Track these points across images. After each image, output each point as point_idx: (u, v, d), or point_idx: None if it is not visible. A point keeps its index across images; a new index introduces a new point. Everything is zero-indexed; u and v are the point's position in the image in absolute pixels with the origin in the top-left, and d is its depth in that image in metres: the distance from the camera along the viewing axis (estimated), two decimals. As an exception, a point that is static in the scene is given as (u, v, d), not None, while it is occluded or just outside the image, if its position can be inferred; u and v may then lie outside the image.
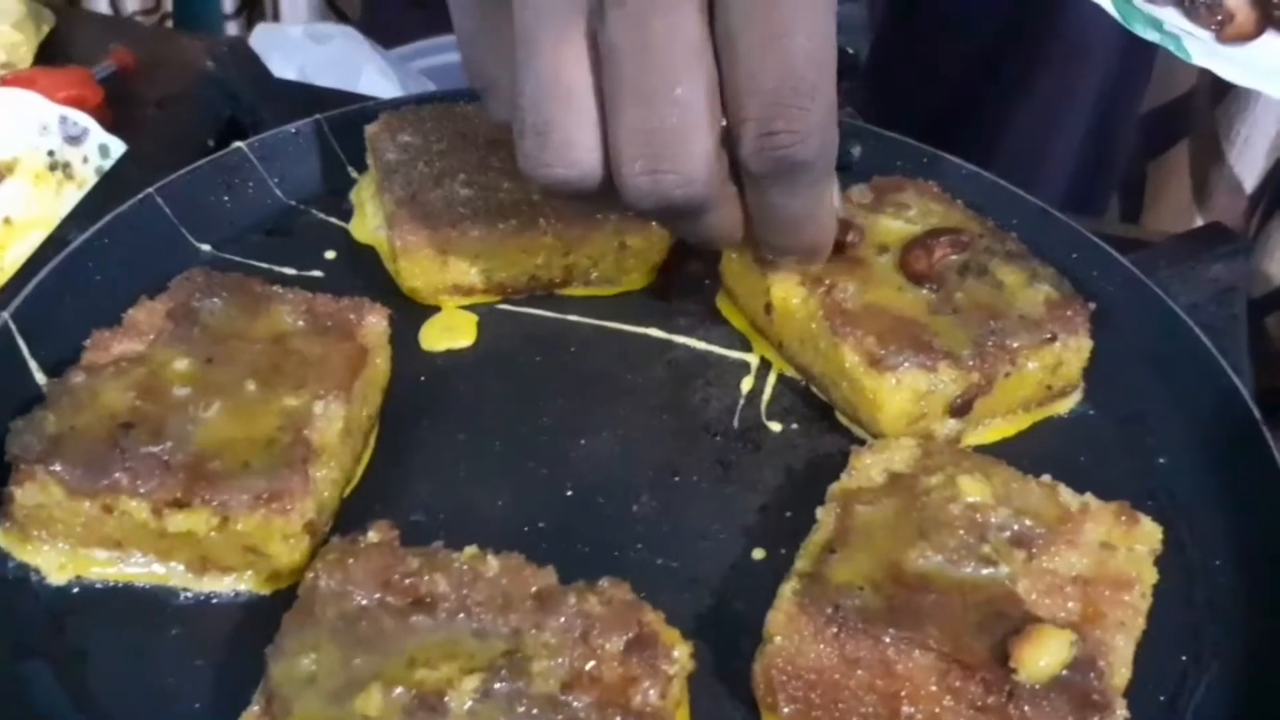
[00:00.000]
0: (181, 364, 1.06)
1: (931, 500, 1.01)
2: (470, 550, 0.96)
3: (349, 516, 1.08)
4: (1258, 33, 1.26)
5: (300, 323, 1.11)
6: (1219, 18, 1.21)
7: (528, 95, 0.93)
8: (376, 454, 1.14)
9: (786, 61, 0.89)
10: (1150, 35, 1.19)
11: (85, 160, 1.98)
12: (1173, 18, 1.23)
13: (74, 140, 1.98)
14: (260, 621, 0.96)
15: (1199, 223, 2.42)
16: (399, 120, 1.35)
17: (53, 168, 1.98)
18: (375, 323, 1.13)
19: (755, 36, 0.89)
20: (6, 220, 1.75)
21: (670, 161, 0.92)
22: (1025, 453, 1.18)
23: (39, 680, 0.96)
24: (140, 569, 1.02)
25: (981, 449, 1.17)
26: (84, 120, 1.88)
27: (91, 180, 1.72)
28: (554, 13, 0.90)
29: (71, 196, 1.77)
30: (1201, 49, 1.21)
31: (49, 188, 1.98)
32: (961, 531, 0.99)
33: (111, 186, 1.46)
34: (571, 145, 0.93)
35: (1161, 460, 1.20)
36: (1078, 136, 2.31)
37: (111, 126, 1.95)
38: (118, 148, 1.77)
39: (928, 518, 1.00)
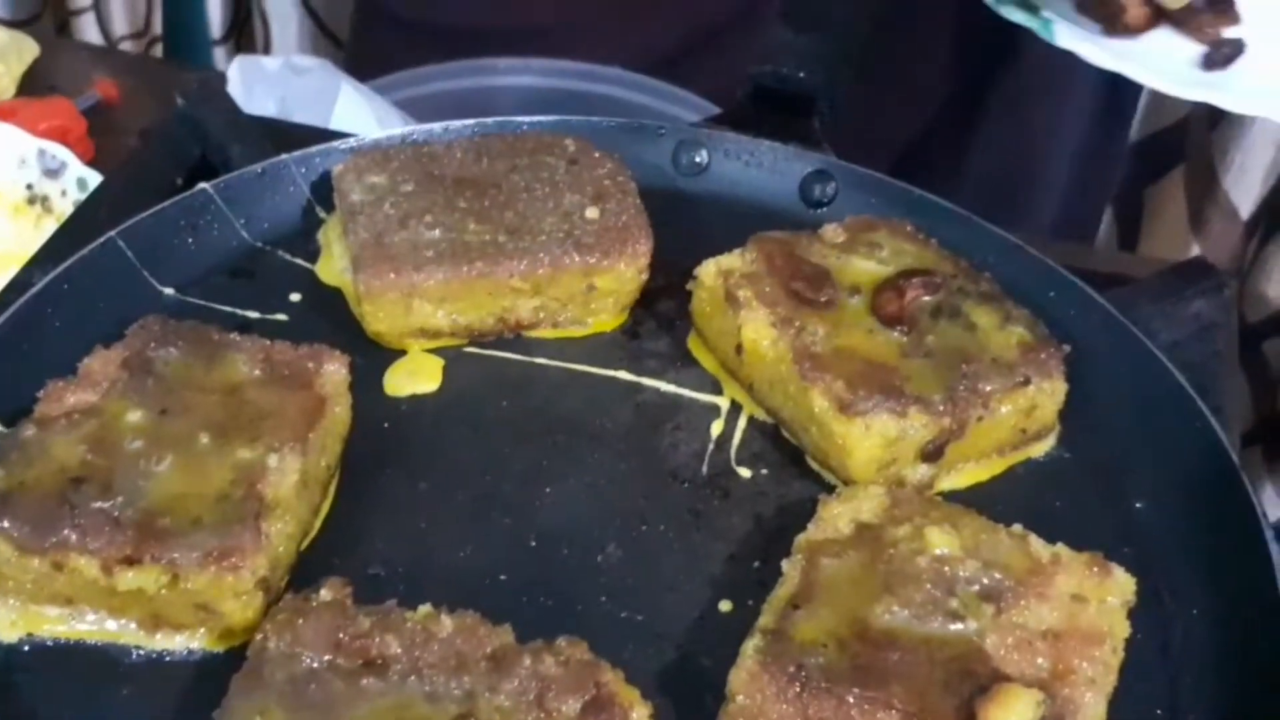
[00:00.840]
0: (134, 416, 1.04)
1: (899, 552, 0.99)
2: (424, 609, 0.93)
3: (306, 570, 1.05)
4: (1148, 27, 1.27)
5: (257, 372, 1.09)
6: (1111, 11, 1.22)
7: None
8: (336, 504, 1.11)
9: None
10: (1015, 17, 1.19)
11: (64, 194, 1.97)
12: (1064, 10, 1.24)
13: (52, 174, 1.97)
14: (213, 680, 0.94)
15: (1195, 250, 2.41)
16: (366, 161, 1.33)
17: (31, 201, 1.96)
18: (334, 371, 1.11)
19: None
20: (-16, 253, 1.73)
21: None
22: (998, 498, 1.16)
23: (-16, 743, 0.94)
24: (92, 626, 1.00)
25: (954, 495, 1.16)
26: (62, 154, 1.87)
27: (69, 214, 1.71)
28: None
29: (50, 230, 1.75)
30: (1068, 32, 1.21)
31: (27, 221, 1.97)
32: (928, 585, 0.97)
33: (79, 226, 1.43)
34: None
35: (1138, 505, 1.17)
36: (1065, 164, 2.30)
37: (93, 158, 1.94)
38: (96, 181, 1.76)
39: (894, 571, 0.98)
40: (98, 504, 0.98)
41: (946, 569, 0.98)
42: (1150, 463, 1.20)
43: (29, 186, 1.95)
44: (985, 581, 0.98)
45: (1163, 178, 2.43)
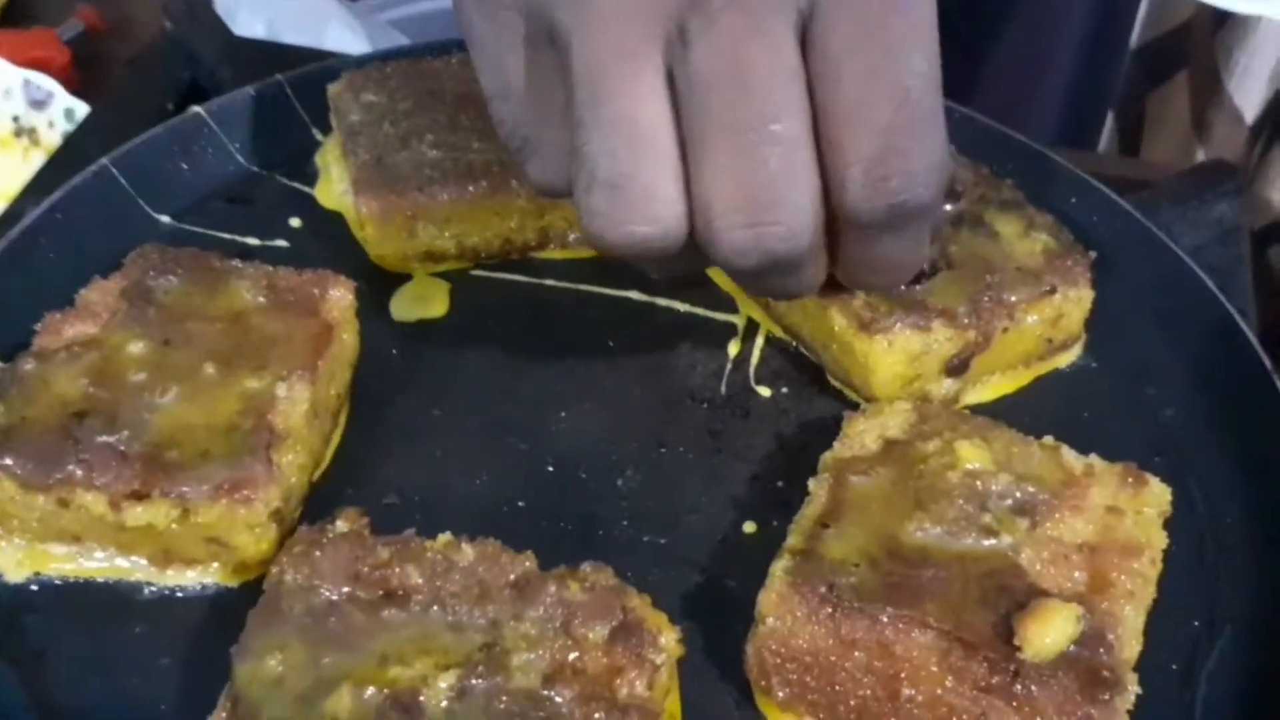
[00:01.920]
0: (136, 347, 1.01)
1: (929, 468, 0.96)
2: (444, 537, 0.91)
3: (319, 501, 1.03)
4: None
5: (261, 299, 1.05)
6: None
7: (595, 144, 0.78)
8: (347, 434, 1.08)
9: (901, 87, 0.77)
10: None
11: (51, 125, 1.91)
12: None
13: (38, 105, 1.92)
14: (228, 616, 0.92)
15: (1200, 156, 2.37)
16: (363, 79, 1.29)
17: (18, 134, 1.91)
18: (340, 296, 1.07)
19: (863, 61, 0.76)
20: (-28, 187, 1.68)
21: (772, 211, 0.78)
22: (1026, 410, 1.13)
23: (-2, 682, 0.92)
24: (101, 564, 0.98)
25: (980, 408, 1.13)
26: (48, 84, 1.82)
27: (59, 146, 1.67)
28: (624, 46, 0.76)
29: (39, 163, 1.71)
30: None
31: (14, 155, 1.92)
32: (961, 501, 0.94)
33: (69, 157, 1.39)
34: (652, 198, 0.78)
35: (1168, 412, 1.15)
36: (1067, 71, 2.24)
37: (79, 89, 1.88)
38: (84, 112, 1.71)
39: (925, 487, 0.95)
40: (102, 438, 0.94)
41: (978, 483, 0.95)
42: (1178, 368, 1.18)
43: (15, 119, 1.90)
44: (1018, 495, 0.95)
45: (1165, 83, 2.38)
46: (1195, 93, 2.35)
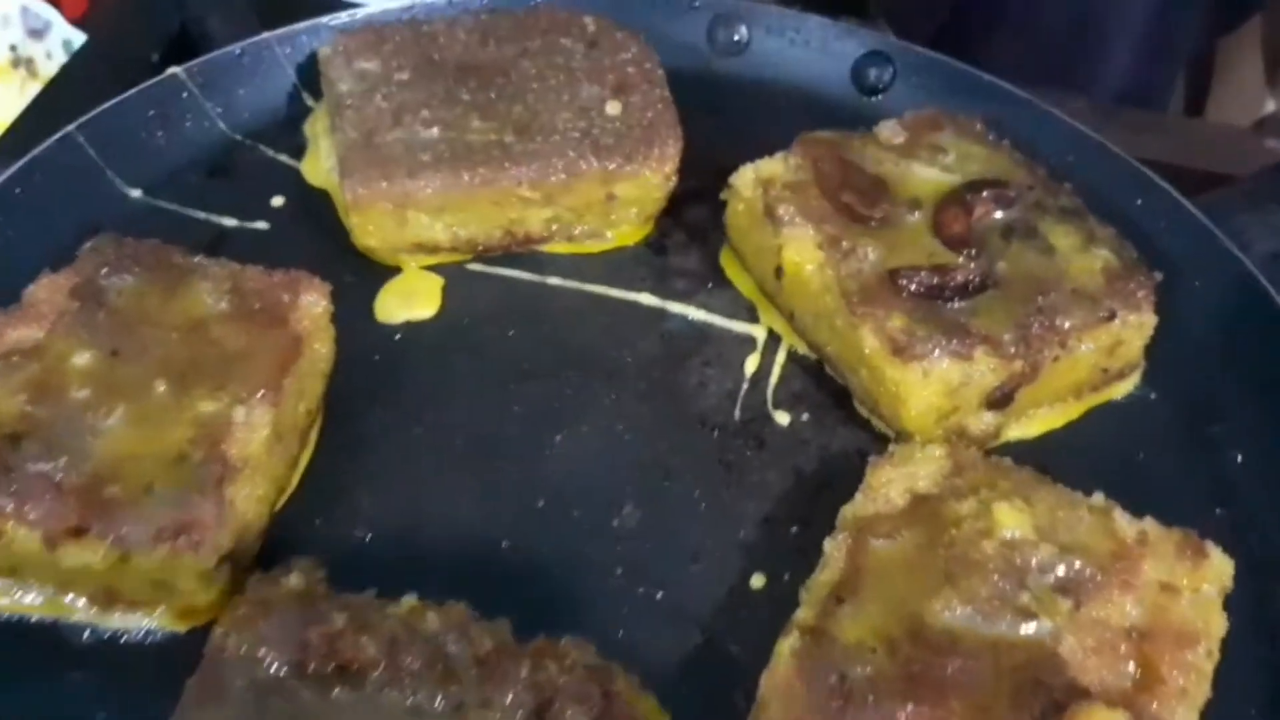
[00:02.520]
0: (83, 358, 0.91)
1: (961, 534, 0.85)
2: (408, 602, 0.81)
3: (282, 531, 0.93)
4: None
5: (224, 304, 0.95)
6: None
7: None
8: (318, 453, 0.98)
9: None
10: None
11: (49, 56, 1.82)
12: None
13: (37, 34, 1.82)
14: (173, 666, 0.82)
15: (1270, 107, 2.22)
16: (357, 42, 1.16)
17: (15, 64, 1.82)
18: (313, 303, 0.96)
19: None
20: (-31, 121, 1.58)
21: None
22: (1074, 449, 1.02)
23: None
24: (38, 600, 0.88)
25: (1023, 446, 1.01)
26: (47, 12, 1.72)
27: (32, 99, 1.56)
28: None
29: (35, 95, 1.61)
30: None
31: (12, 85, 1.82)
32: (996, 576, 0.83)
33: (42, 113, 1.28)
34: None
35: (1235, 457, 1.02)
36: (1138, 19, 2.09)
37: (86, 10, 1.77)
38: (82, 43, 1.61)
39: (956, 557, 0.84)
40: (38, 465, 0.85)
41: (1017, 556, 0.84)
42: (1248, 405, 1.05)
43: (13, 48, 1.80)
44: (1062, 571, 0.84)
45: (1239, 28, 2.22)
46: (1270, 37, 2.20)
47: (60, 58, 1.70)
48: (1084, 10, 2.03)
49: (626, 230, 1.14)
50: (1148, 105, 2.04)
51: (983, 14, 1.92)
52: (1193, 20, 2.24)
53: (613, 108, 1.11)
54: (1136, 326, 1.02)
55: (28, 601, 0.88)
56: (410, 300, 1.08)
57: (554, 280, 1.11)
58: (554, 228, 1.12)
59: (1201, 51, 2.29)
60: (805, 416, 1.03)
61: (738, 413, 1.03)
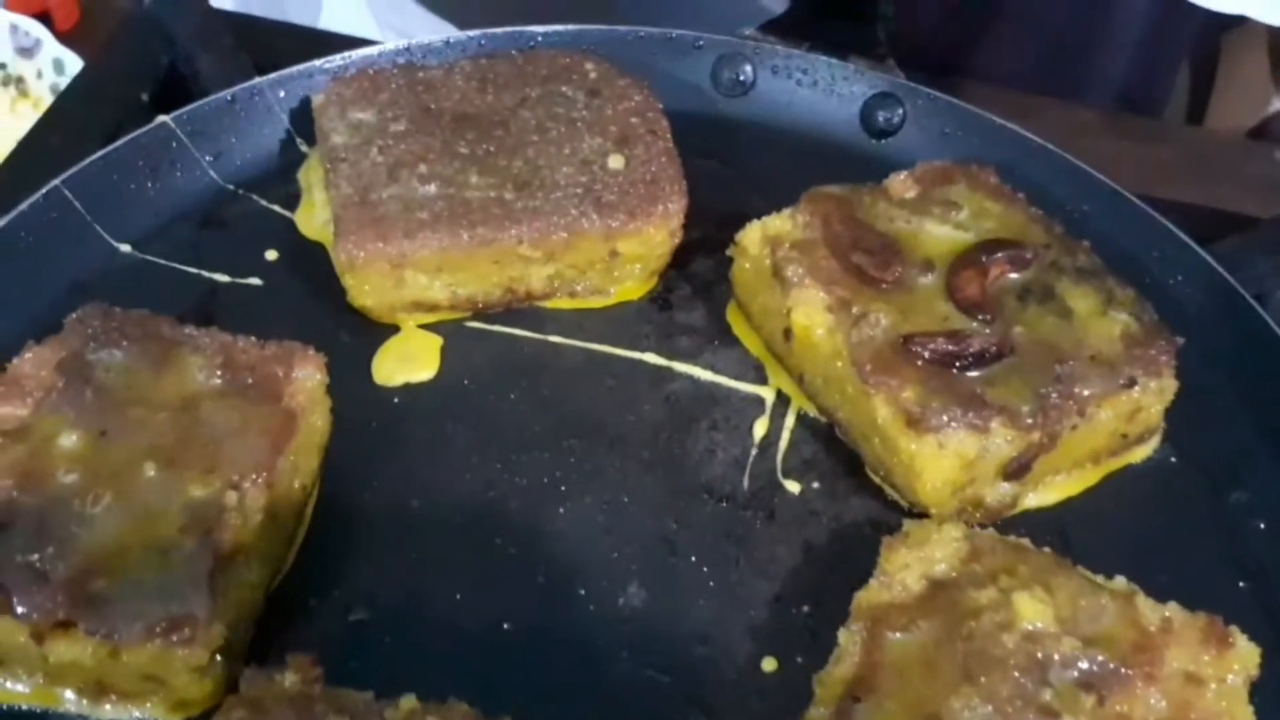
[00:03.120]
0: (70, 439, 0.88)
1: (980, 627, 0.82)
2: (408, 703, 0.78)
3: (278, 611, 0.90)
4: None
5: (215, 380, 0.92)
6: None
7: None
8: (313, 528, 0.95)
9: None
10: None
11: (39, 75, 1.79)
12: None
13: (26, 52, 1.79)
14: (166, 761, 0.80)
15: (1276, 105, 2.19)
16: (351, 90, 1.13)
17: (5, 82, 1.79)
18: (307, 376, 0.93)
19: None
20: (-40, 140, 1.55)
21: None
22: (1093, 517, 0.99)
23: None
24: (26, 690, 0.85)
25: (1041, 514, 0.99)
26: (36, 30, 1.69)
27: (47, 98, 1.53)
28: None
29: (25, 116, 1.58)
30: None
31: (2, 105, 1.80)
32: (1017, 673, 0.80)
33: (26, 160, 1.24)
34: None
35: (1258, 525, 1.00)
36: (1138, 19, 2.05)
37: (78, 22, 1.73)
38: (72, 63, 1.57)
39: (975, 652, 0.81)
40: (24, 556, 0.82)
41: (1039, 651, 0.81)
42: (1272, 471, 1.02)
43: (2, 66, 1.77)
44: (1084, 665, 0.81)
45: (1243, 24, 2.19)
46: (1276, 33, 2.16)
47: (50, 76, 1.67)
48: (1083, 11, 2.00)
49: (630, 286, 1.10)
50: (1148, 105, 2.01)
51: (982, 17, 1.90)
52: (1193, 19, 2.21)
53: (615, 161, 1.08)
54: (1157, 392, 0.99)
55: (16, 691, 0.86)
56: (409, 362, 1.05)
57: (555, 338, 1.08)
58: (556, 284, 1.08)
59: (1205, 49, 2.25)
60: (816, 485, 1.00)
61: (746, 482, 1.00)
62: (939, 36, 1.79)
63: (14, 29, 1.68)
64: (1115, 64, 2.08)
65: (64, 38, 1.63)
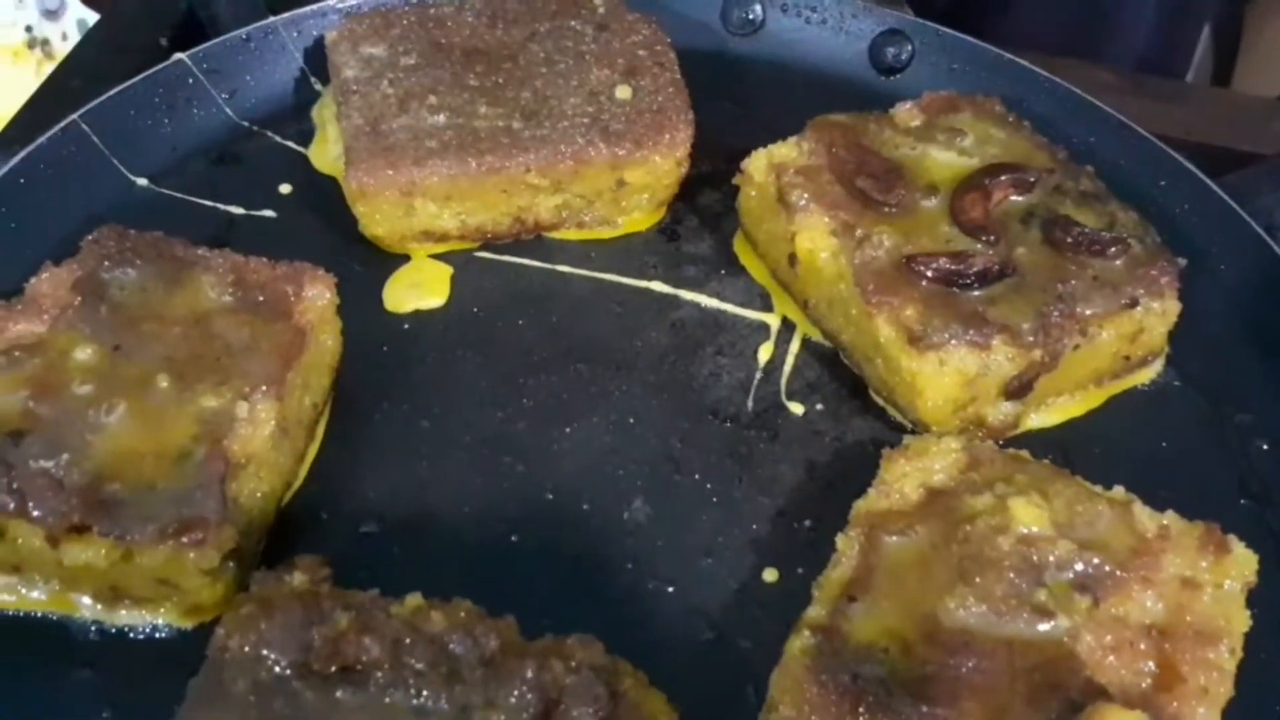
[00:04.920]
0: (84, 353, 0.89)
1: (976, 531, 0.83)
2: (412, 600, 0.79)
3: (289, 526, 0.92)
4: None
5: (227, 297, 0.93)
6: None
7: None
8: (325, 446, 0.97)
9: None
10: None
11: (65, 37, 1.82)
12: None
13: (51, 14, 1.82)
14: (178, 662, 0.82)
15: None
16: (364, 27, 1.15)
17: (31, 45, 1.82)
18: (317, 296, 0.95)
19: None
20: (-14, 104, 1.58)
21: None
22: (1096, 437, 1.00)
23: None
24: (42, 597, 0.87)
25: (1043, 435, 0.99)
26: (61, -7, 1.73)
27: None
28: None
29: (53, 78, 1.61)
30: None
31: (28, 67, 1.83)
32: (1012, 574, 0.81)
33: (48, 99, 1.27)
34: None
35: (1260, 446, 1.00)
36: None
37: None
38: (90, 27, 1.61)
39: (970, 554, 0.82)
40: (40, 463, 0.84)
41: (1034, 553, 0.82)
42: (1274, 392, 1.03)
43: (28, 29, 1.80)
44: (1080, 568, 0.82)
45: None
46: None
47: (76, 38, 1.69)
48: None
49: (638, 216, 1.12)
50: (1169, 70, 2.00)
51: None
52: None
53: (623, 92, 1.09)
54: (1160, 314, 0.99)
55: (33, 598, 0.88)
56: (419, 290, 1.07)
57: (564, 268, 1.09)
58: (564, 214, 1.10)
59: (1229, 16, 2.24)
60: (819, 407, 1.01)
61: (750, 404, 1.01)
62: (956, 10, 1.79)
63: (40, -7, 1.71)
64: (1133, 31, 2.07)
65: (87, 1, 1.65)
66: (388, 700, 0.75)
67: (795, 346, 1.05)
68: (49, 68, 1.69)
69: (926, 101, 1.10)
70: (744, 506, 0.95)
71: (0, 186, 1.07)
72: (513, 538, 0.92)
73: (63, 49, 1.74)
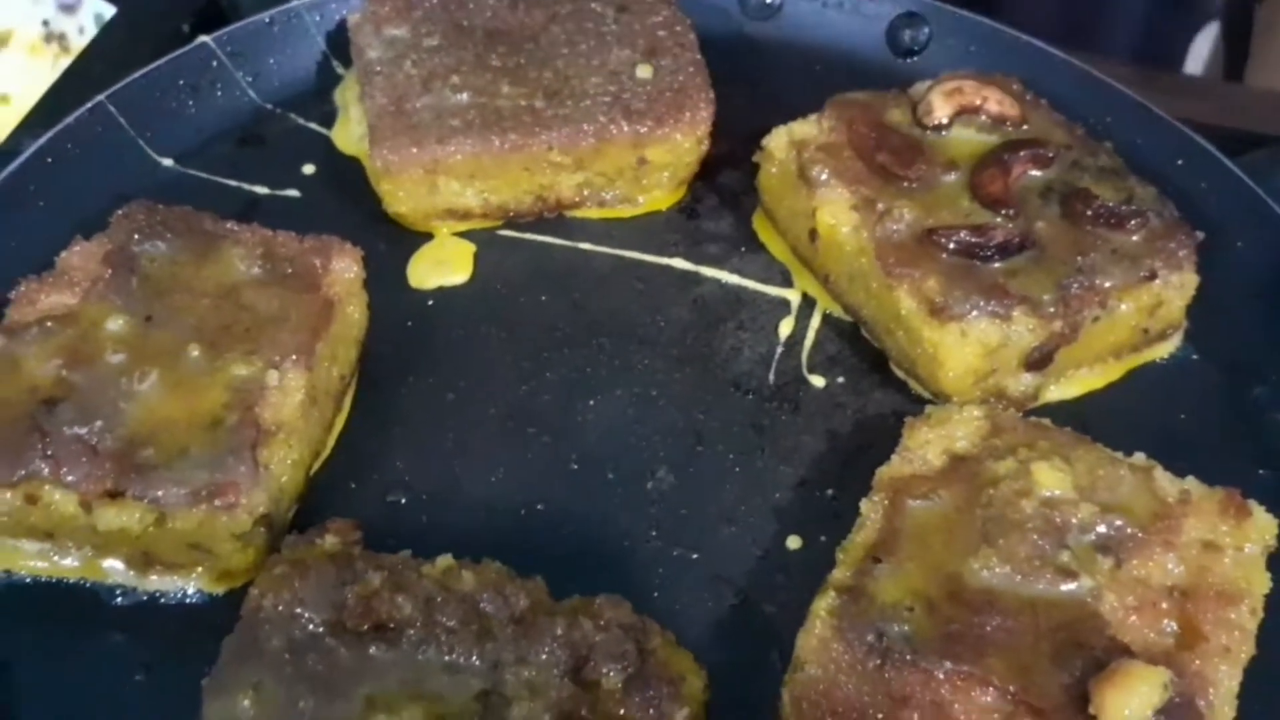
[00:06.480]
0: (116, 323, 0.91)
1: (999, 494, 0.84)
2: (443, 561, 0.80)
3: (317, 496, 0.93)
4: None
5: (256, 269, 0.94)
6: None
7: None
8: (352, 418, 0.98)
9: None
10: None
11: (81, 31, 1.82)
12: None
13: (68, 9, 1.82)
14: (209, 627, 0.83)
15: None
16: (386, 9, 1.16)
17: (48, 39, 1.82)
18: (344, 268, 0.96)
19: None
20: (3, 98, 1.60)
21: None
22: (1115, 410, 1.01)
23: (-43, 696, 0.84)
24: (76, 563, 0.89)
25: (1063, 407, 1.00)
26: (77, -14, 1.73)
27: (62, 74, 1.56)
28: None
29: (68, 71, 1.62)
30: None
31: (45, 61, 1.83)
32: (1035, 536, 0.82)
33: (72, 84, 1.28)
34: None
35: (1276, 417, 1.01)
36: None
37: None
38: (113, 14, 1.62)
39: (994, 517, 0.83)
40: (73, 430, 0.85)
41: (1057, 515, 0.83)
42: (1291, 366, 1.04)
43: (45, 23, 1.81)
44: (1102, 529, 0.83)
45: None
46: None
47: (92, 31, 1.70)
48: None
49: (658, 195, 1.13)
50: (1166, 62, 1.99)
51: None
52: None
53: (643, 71, 1.10)
54: (1178, 286, 1.00)
55: (66, 565, 0.89)
56: (443, 266, 1.08)
57: (585, 245, 1.10)
58: (585, 193, 1.11)
59: (1240, 15, 2.24)
60: (840, 379, 1.02)
61: (772, 376, 1.02)
62: None
63: (56, -14, 1.72)
64: (1129, 20, 2.06)
65: (102, -5, 1.66)
66: (420, 657, 0.76)
67: (816, 321, 1.06)
68: (65, 61, 1.70)
69: (945, 80, 1.10)
70: (766, 476, 0.96)
71: (28, 165, 1.08)
72: (539, 506, 0.93)
73: (79, 43, 1.74)
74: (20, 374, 0.88)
